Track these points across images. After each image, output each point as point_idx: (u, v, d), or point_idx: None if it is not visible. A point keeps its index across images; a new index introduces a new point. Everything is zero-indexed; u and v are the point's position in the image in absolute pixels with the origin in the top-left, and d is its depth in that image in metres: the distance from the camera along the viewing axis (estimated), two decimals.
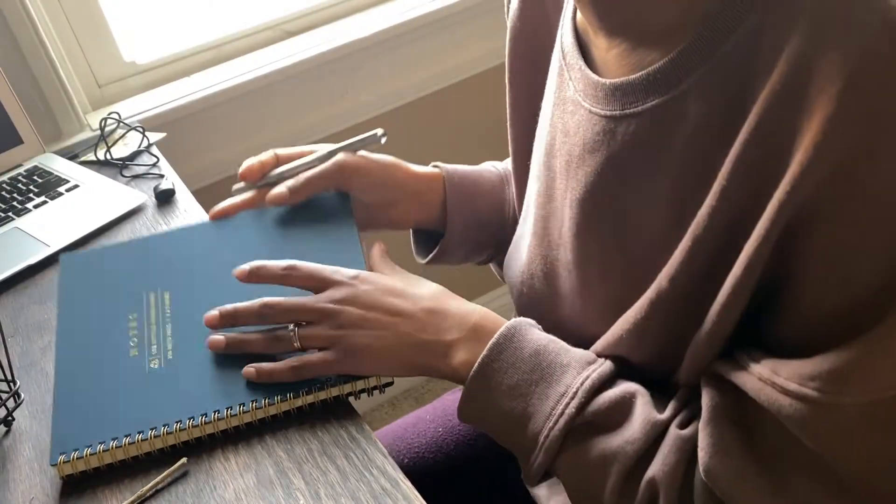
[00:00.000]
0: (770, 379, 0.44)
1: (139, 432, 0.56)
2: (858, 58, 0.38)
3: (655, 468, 0.50)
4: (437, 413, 0.83)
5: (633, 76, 0.49)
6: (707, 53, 0.45)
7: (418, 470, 0.77)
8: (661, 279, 0.49)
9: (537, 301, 0.64)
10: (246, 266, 0.61)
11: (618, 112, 0.51)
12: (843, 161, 0.39)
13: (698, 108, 0.46)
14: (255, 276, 0.61)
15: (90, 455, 0.55)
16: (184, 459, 0.56)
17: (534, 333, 0.57)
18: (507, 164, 0.80)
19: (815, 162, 0.39)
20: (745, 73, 0.43)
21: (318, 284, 0.60)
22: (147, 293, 0.64)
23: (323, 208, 0.69)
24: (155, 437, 0.56)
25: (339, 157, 0.69)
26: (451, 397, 0.86)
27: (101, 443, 0.56)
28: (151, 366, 0.59)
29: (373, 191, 0.71)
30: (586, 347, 0.57)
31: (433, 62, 1.39)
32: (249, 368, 0.58)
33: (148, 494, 0.54)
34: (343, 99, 1.32)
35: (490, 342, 0.56)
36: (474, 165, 0.79)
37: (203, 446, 0.57)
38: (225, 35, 1.29)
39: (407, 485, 0.52)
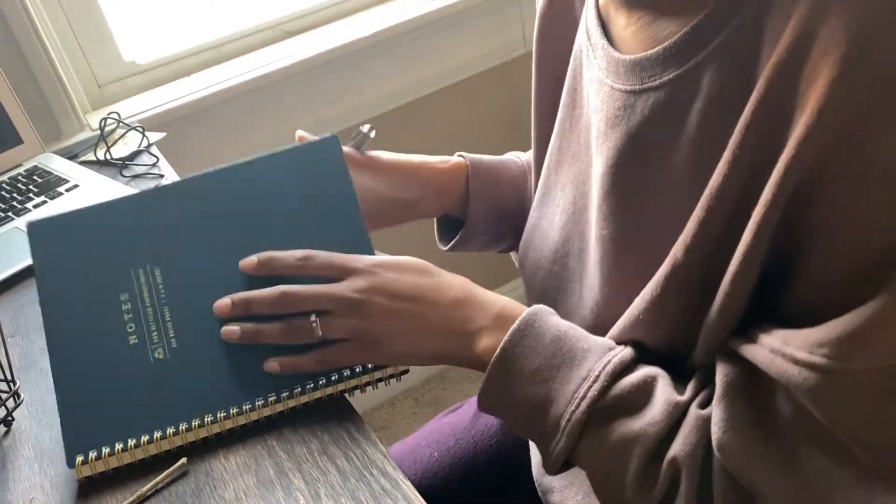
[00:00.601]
0: (780, 349, 0.44)
1: (157, 431, 0.55)
2: (861, 23, 0.38)
3: (676, 448, 0.49)
4: (432, 438, 0.83)
5: (651, 51, 0.50)
6: (720, 26, 0.46)
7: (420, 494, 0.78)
8: (677, 251, 0.49)
9: (565, 280, 0.64)
10: (253, 257, 0.59)
11: (637, 86, 0.52)
12: (846, 126, 0.39)
13: (712, 80, 0.47)
14: (266, 269, 0.59)
15: (108, 456, 0.55)
16: (184, 459, 0.55)
17: (554, 320, 0.57)
18: (529, 156, 0.80)
19: (819, 126, 0.39)
20: (756, 43, 0.44)
21: (338, 273, 0.59)
22: (135, 270, 0.59)
23: (316, 170, 0.63)
24: (174, 435, 0.55)
25: (374, 152, 0.72)
26: (447, 420, 0.86)
27: (119, 443, 0.55)
28: (156, 356, 0.58)
29: (399, 190, 0.73)
30: (603, 335, 0.57)
31: (433, 62, 1.39)
32: (272, 362, 0.57)
33: (148, 494, 0.54)
34: (343, 99, 1.32)
35: (511, 328, 0.56)
36: (497, 156, 0.81)
37: (203, 446, 0.57)
38: (224, 35, 1.29)
39: (407, 485, 0.52)
